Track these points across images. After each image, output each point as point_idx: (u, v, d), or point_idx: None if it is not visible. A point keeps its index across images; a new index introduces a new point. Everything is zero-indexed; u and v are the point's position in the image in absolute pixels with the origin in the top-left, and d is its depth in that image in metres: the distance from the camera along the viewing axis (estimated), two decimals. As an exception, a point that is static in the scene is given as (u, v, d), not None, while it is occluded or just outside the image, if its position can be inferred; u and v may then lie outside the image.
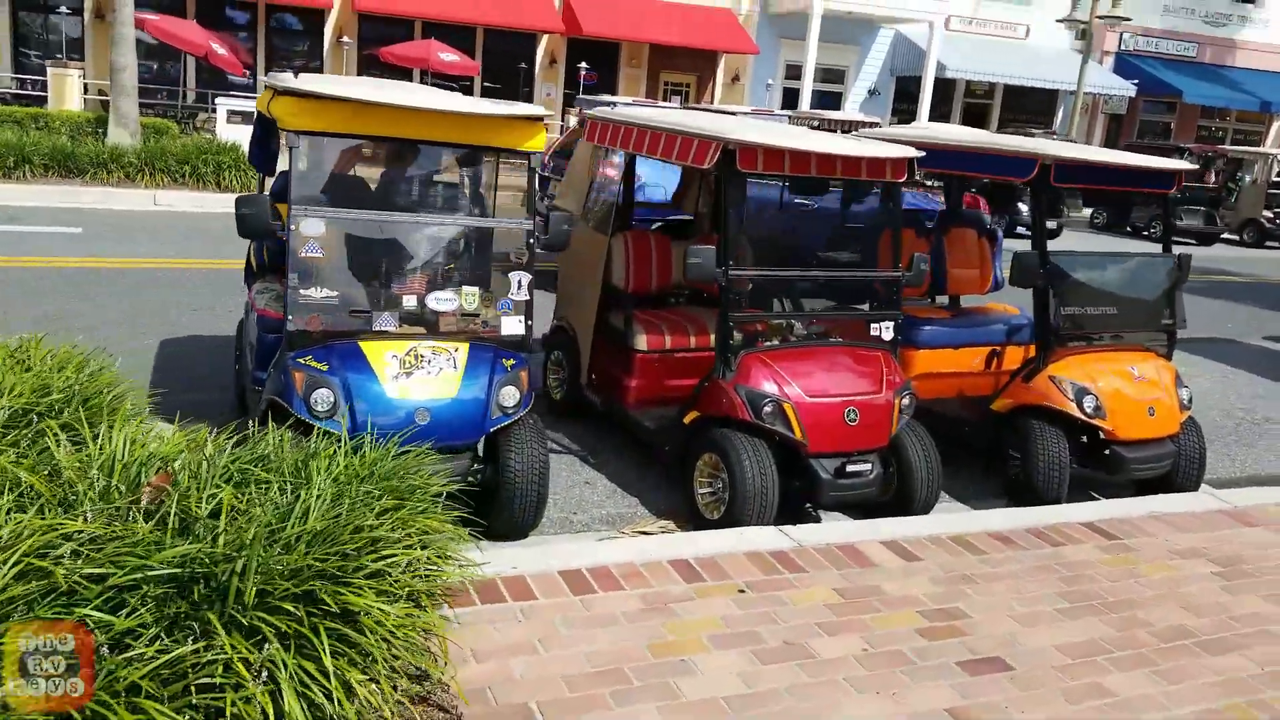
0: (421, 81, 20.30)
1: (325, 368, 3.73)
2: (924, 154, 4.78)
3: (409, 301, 4.03)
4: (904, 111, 24.43)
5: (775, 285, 4.93)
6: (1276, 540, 4.68)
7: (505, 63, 21.53)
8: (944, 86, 24.83)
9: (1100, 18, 20.59)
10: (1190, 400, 5.42)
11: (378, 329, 3.94)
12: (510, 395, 3.96)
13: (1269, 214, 19.39)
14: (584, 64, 20.39)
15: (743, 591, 3.61)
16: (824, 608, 3.57)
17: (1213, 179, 19.64)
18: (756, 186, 6.92)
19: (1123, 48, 25.01)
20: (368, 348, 3.85)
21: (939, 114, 24.84)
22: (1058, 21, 22.11)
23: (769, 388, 4.36)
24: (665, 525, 4.45)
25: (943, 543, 4.26)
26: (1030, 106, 25.80)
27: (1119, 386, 5.15)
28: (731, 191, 4.40)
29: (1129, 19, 21.42)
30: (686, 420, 4.53)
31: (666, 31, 21.12)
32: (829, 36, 22.79)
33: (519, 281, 4.04)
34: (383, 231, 4.24)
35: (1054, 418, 5.08)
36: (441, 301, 4.03)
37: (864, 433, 4.47)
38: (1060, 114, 25.81)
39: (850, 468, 4.42)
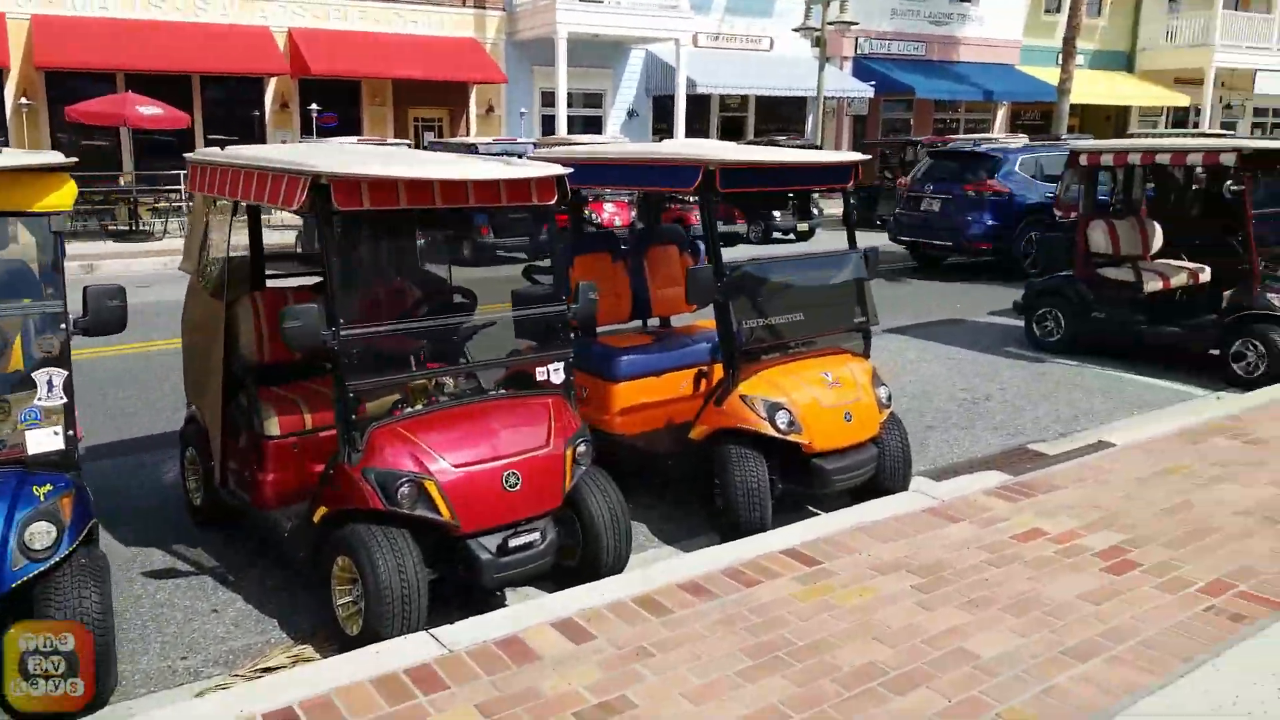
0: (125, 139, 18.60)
1: None
2: (572, 170, 4.31)
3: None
4: (664, 130, 24.69)
5: (406, 340, 4.32)
6: (975, 536, 4.50)
7: (231, 111, 20.08)
8: (699, 102, 25.29)
9: (830, 24, 21.50)
10: (889, 398, 5.25)
11: None
12: (42, 535, 3.11)
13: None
14: (315, 106, 19.27)
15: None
16: (454, 737, 2.98)
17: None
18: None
19: (859, 52, 26.34)
20: None
21: (696, 130, 25.28)
22: (793, 30, 22.94)
23: (406, 465, 3.74)
24: (299, 653, 3.72)
25: (625, 609, 3.76)
26: (784, 115, 26.71)
27: (813, 396, 4.89)
28: (330, 234, 3.76)
29: (856, 23, 22.50)
30: (315, 519, 3.84)
31: (409, 65, 20.33)
32: (581, 60, 22.69)
33: (49, 381, 3.22)
34: None
35: (751, 439, 4.75)
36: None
37: (530, 497, 3.93)
38: (810, 120, 26.88)
39: (516, 541, 3.86)
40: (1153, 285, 8.44)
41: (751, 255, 7.17)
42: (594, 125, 24.51)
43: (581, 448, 4.17)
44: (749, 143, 20.49)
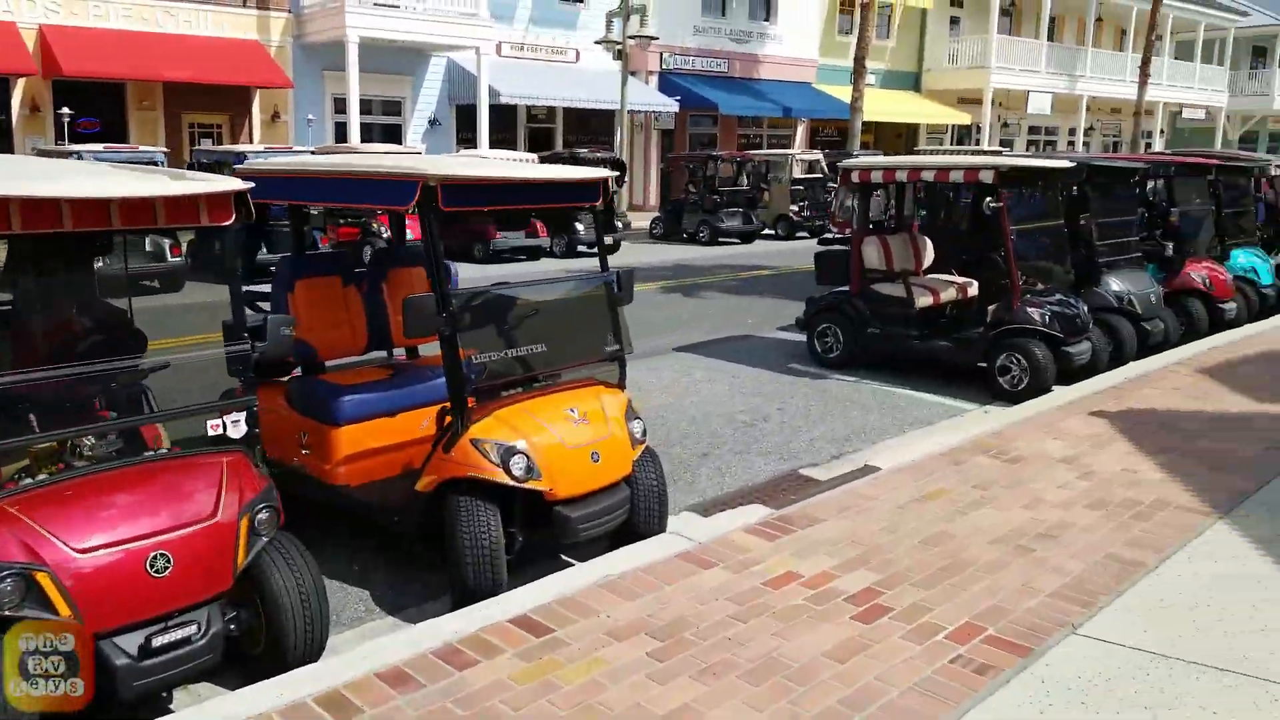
0: None
1: None
2: (252, 185, 3.63)
3: None
4: (469, 139, 23.96)
5: (35, 391, 3.51)
6: (726, 584, 4.14)
7: (-29, 114, 17.88)
8: (506, 113, 24.71)
9: (631, 38, 21.43)
10: (644, 432, 4.84)
11: None
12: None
13: (795, 208, 21.32)
14: (66, 109, 17.36)
15: None
16: None
17: (746, 181, 21.17)
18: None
19: (664, 67, 26.50)
20: None
21: (502, 140, 24.69)
22: (595, 43, 22.75)
23: (11, 553, 2.97)
24: None
25: (303, 713, 3.14)
26: (594, 127, 26.49)
27: (556, 436, 4.40)
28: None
29: (656, 38, 22.56)
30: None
31: (178, 68, 18.68)
32: (378, 66, 21.64)
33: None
34: None
35: (484, 488, 4.21)
36: None
37: (186, 582, 3.23)
38: (618, 133, 26.82)
39: (164, 638, 3.16)
40: (923, 300, 8.53)
41: (501, 277, 6.67)
42: (394, 134, 23.47)
43: (263, 514, 3.51)
44: (548, 156, 20.10)
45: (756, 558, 4.43)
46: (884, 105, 30.83)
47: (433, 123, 23.86)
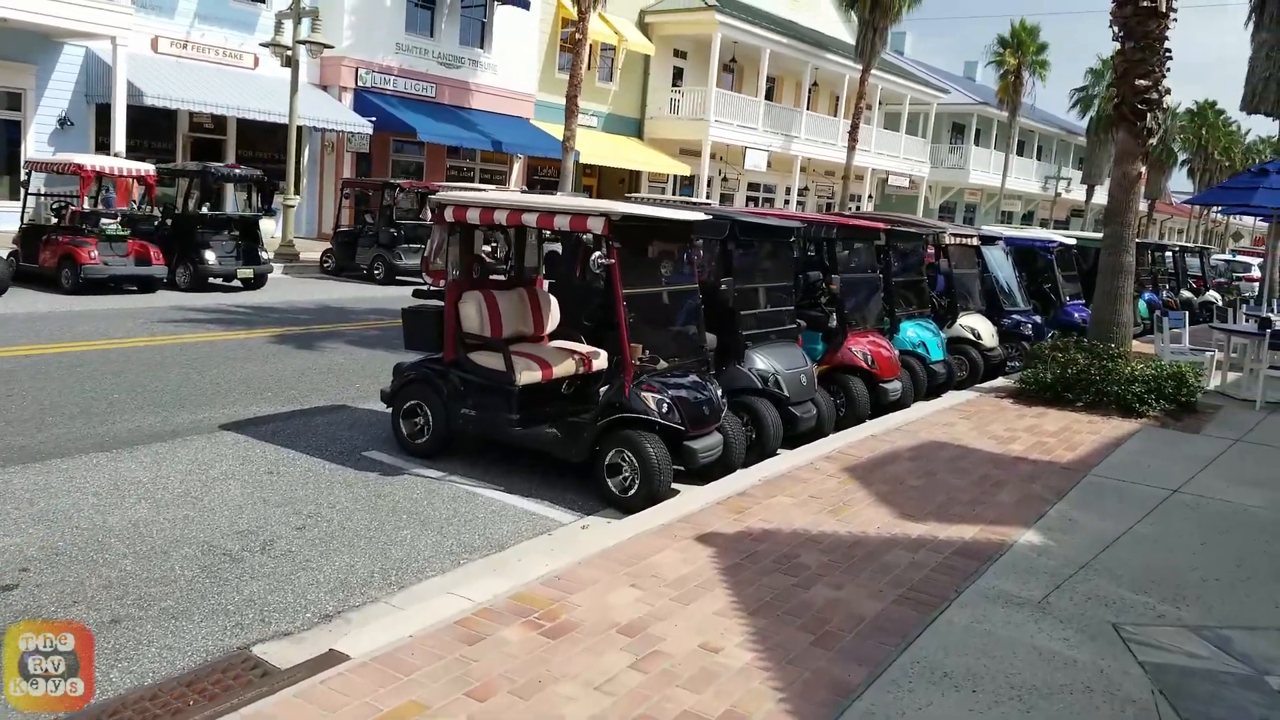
0: None
1: None
2: None
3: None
4: (106, 146, 20.19)
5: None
6: None
7: None
8: (163, 118, 21.14)
9: (300, 42, 18.76)
10: None
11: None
12: None
13: (487, 249, 19.37)
14: None
15: None
16: None
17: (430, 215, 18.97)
18: None
19: (360, 84, 23.86)
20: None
21: (160, 150, 21.08)
22: (262, 45, 19.84)
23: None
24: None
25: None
26: (274, 143, 23.31)
27: None
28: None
29: (330, 45, 19.92)
30: None
31: None
32: (-12, 49, 17.70)
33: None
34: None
35: None
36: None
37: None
38: (306, 151, 23.86)
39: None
40: (529, 376, 6.70)
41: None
42: (13, 131, 19.25)
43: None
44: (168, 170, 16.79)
45: None
46: (605, 149, 29.90)
47: (63, 122, 19.86)
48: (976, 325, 12.13)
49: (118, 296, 13.75)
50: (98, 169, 14.16)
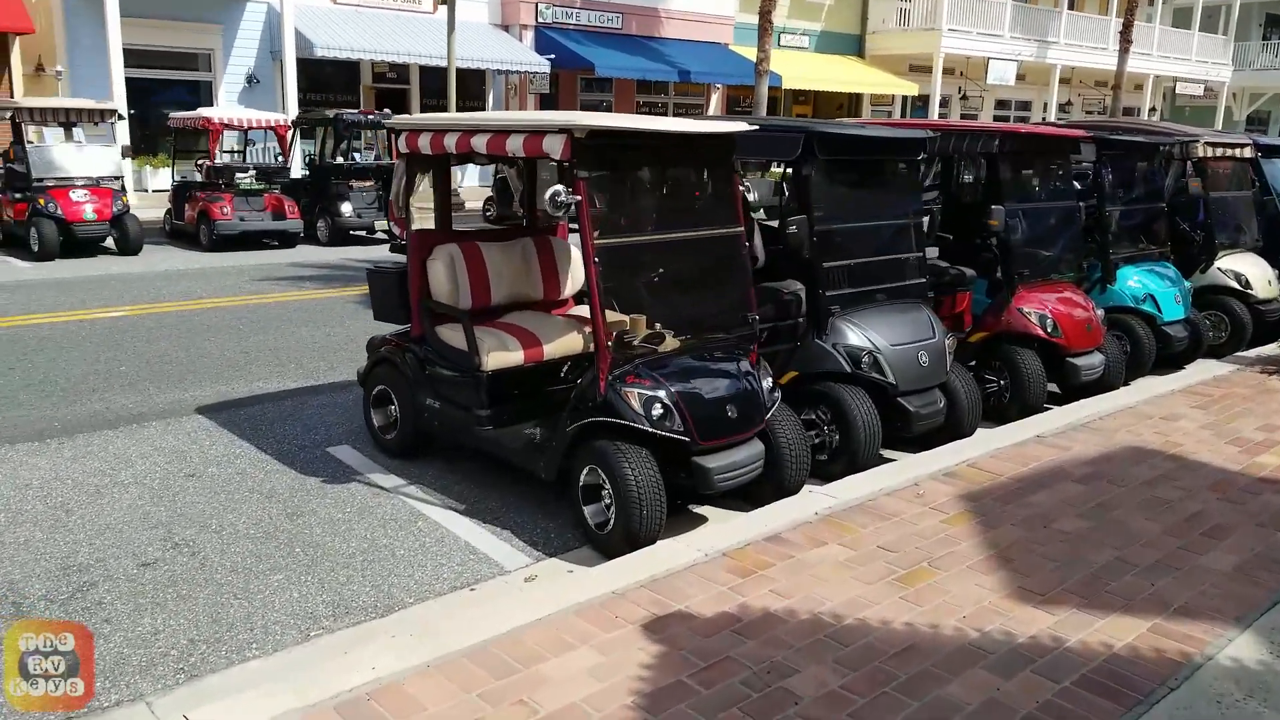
0: None
1: None
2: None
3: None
4: (315, 100, 20.31)
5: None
6: None
7: None
8: (344, 70, 21.06)
9: (456, -24, 17.66)
10: None
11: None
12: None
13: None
14: None
15: None
16: None
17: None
18: None
19: (540, 20, 22.58)
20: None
21: (344, 103, 20.99)
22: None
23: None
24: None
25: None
26: (465, 89, 22.66)
27: None
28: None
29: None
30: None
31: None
32: (172, 12, 18.07)
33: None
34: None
35: None
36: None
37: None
38: (490, 95, 23.06)
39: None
40: (500, 358, 4.93)
41: None
42: (198, 93, 19.77)
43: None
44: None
45: None
46: (819, 71, 26.91)
47: (250, 80, 20.16)
48: (1244, 269, 8.88)
49: (256, 252, 13.36)
50: (224, 121, 13.79)
